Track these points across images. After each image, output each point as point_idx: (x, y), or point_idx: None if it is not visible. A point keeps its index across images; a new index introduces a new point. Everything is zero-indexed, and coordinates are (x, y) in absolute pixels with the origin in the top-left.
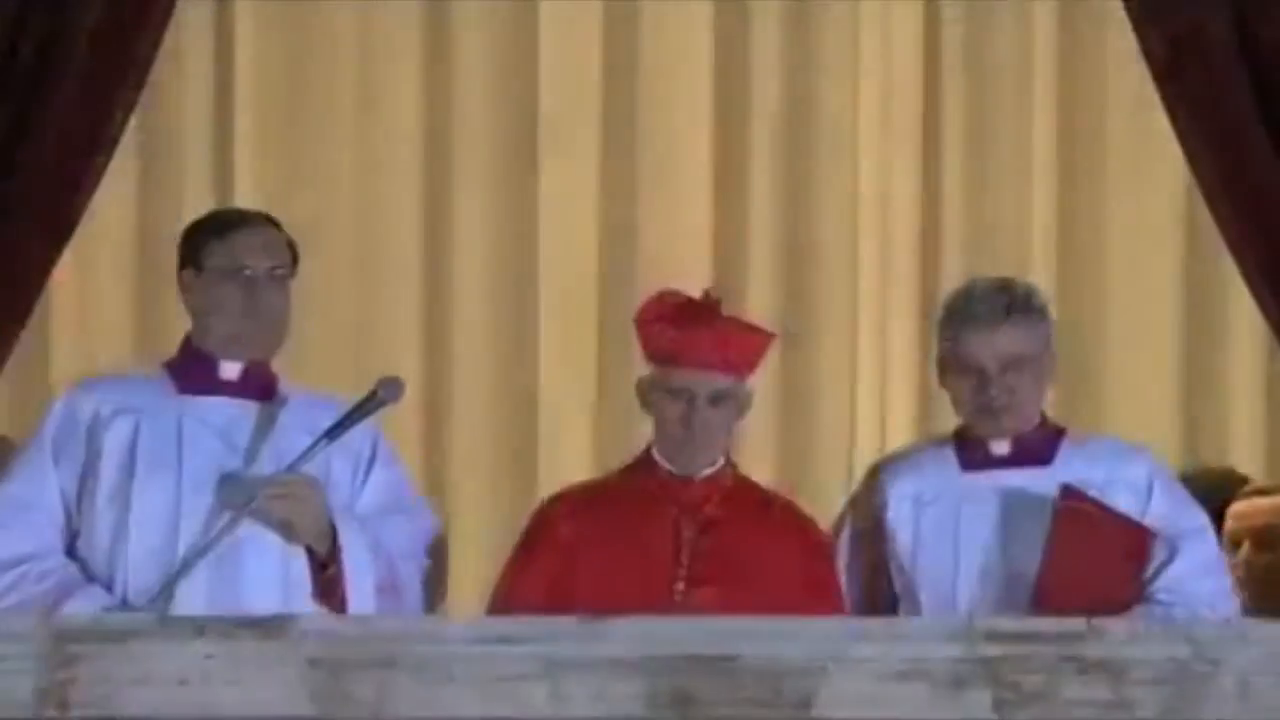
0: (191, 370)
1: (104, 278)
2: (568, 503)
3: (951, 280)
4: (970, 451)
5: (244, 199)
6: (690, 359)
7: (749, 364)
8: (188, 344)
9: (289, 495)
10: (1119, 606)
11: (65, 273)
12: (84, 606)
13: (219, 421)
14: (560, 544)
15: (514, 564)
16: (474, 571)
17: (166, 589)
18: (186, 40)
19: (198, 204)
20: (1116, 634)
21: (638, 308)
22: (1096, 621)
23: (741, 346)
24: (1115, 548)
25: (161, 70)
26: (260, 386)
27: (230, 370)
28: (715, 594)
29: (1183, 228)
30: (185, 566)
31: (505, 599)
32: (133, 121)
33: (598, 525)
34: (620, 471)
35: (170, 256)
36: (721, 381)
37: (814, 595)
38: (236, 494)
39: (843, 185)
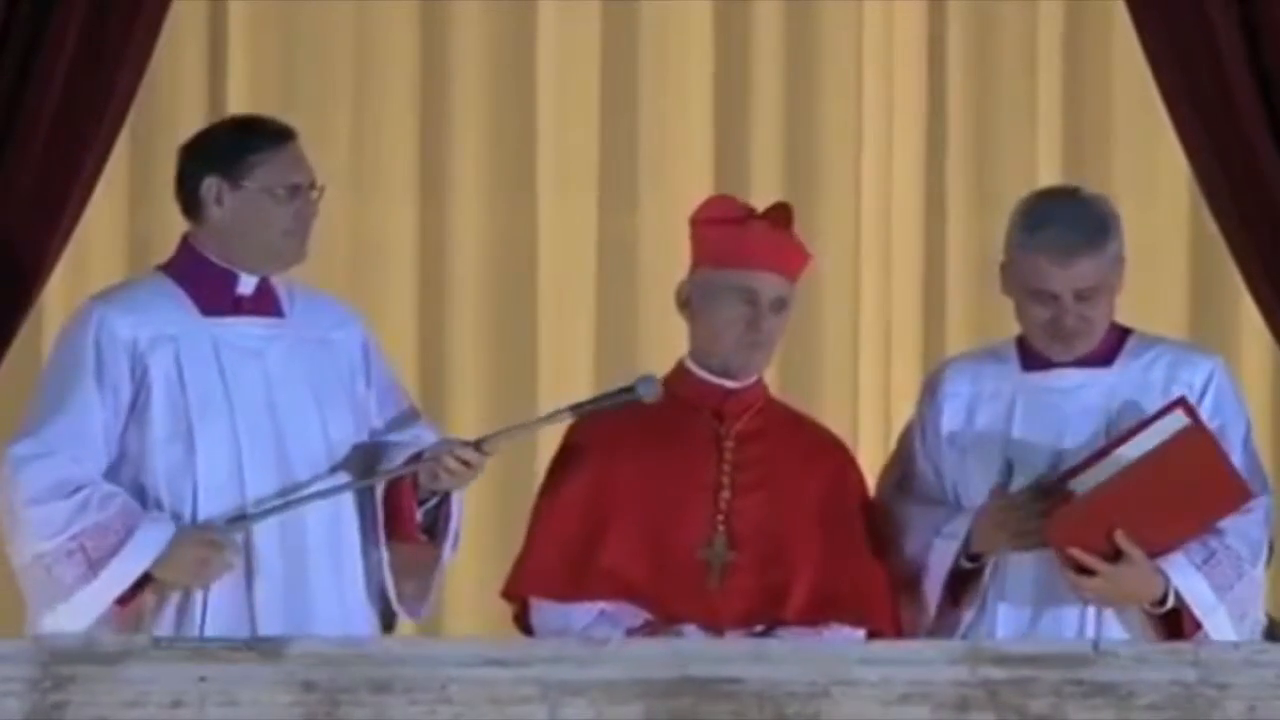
0: (209, 287)
1: (96, 286)
2: (600, 419)
3: (954, 278)
4: (1031, 352)
5: None
6: (759, 260)
7: (798, 277)
8: (194, 253)
9: (470, 470)
10: (1174, 542)
11: (58, 282)
12: (153, 537)
13: (252, 346)
14: (593, 461)
15: (545, 496)
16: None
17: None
18: (179, 45)
19: None
20: (1122, 657)
21: (696, 209)
22: (1103, 645)
23: (800, 257)
24: (1209, 488)
25: (153, 76)
26: (271, 299)
27: (248, 285)
28: (760, 500)
29: (1188, 233)
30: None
31: (541, 529)
32: (125, 128)
33: (634, 436)
34: None
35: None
36: (784, 288)
37: (844, 520)
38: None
39: (845, 186)
